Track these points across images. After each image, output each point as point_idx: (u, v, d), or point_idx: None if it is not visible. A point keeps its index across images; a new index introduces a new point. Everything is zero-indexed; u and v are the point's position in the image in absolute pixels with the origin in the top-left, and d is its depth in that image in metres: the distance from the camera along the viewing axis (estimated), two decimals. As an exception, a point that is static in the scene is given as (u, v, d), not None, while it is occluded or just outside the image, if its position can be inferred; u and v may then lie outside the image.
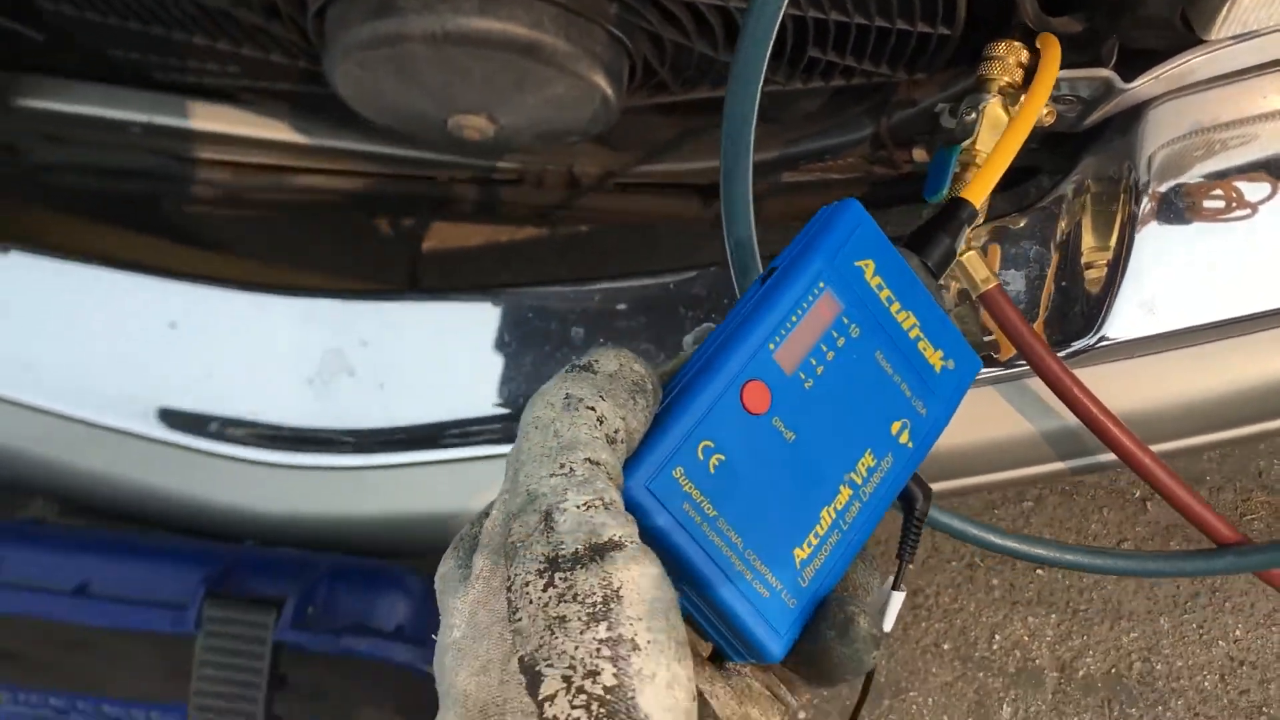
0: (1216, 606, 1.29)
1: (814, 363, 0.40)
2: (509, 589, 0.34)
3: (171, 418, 0.86)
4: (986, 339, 0.77)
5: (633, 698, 0.32)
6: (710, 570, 0.38)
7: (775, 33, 0.53)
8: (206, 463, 0.85)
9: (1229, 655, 1.28)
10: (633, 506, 0.37)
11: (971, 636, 1.32)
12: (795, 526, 0.39)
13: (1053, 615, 1.32)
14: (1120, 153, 0.79)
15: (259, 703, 0.76)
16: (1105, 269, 0.78)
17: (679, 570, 0.38)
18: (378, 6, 0.66)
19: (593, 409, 0.36)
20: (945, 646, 1.32)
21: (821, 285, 0.41)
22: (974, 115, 0.72)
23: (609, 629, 0.32)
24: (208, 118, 1.00)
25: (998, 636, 1.32)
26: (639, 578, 0.33)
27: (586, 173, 0.99)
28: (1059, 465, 0.79)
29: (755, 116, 0.56)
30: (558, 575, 0.33)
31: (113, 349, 0.87)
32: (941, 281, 0.76)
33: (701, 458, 0.38)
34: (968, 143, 0.71)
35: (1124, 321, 0.75)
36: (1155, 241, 0.78)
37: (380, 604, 0.79)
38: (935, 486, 0.78)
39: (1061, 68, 0.74)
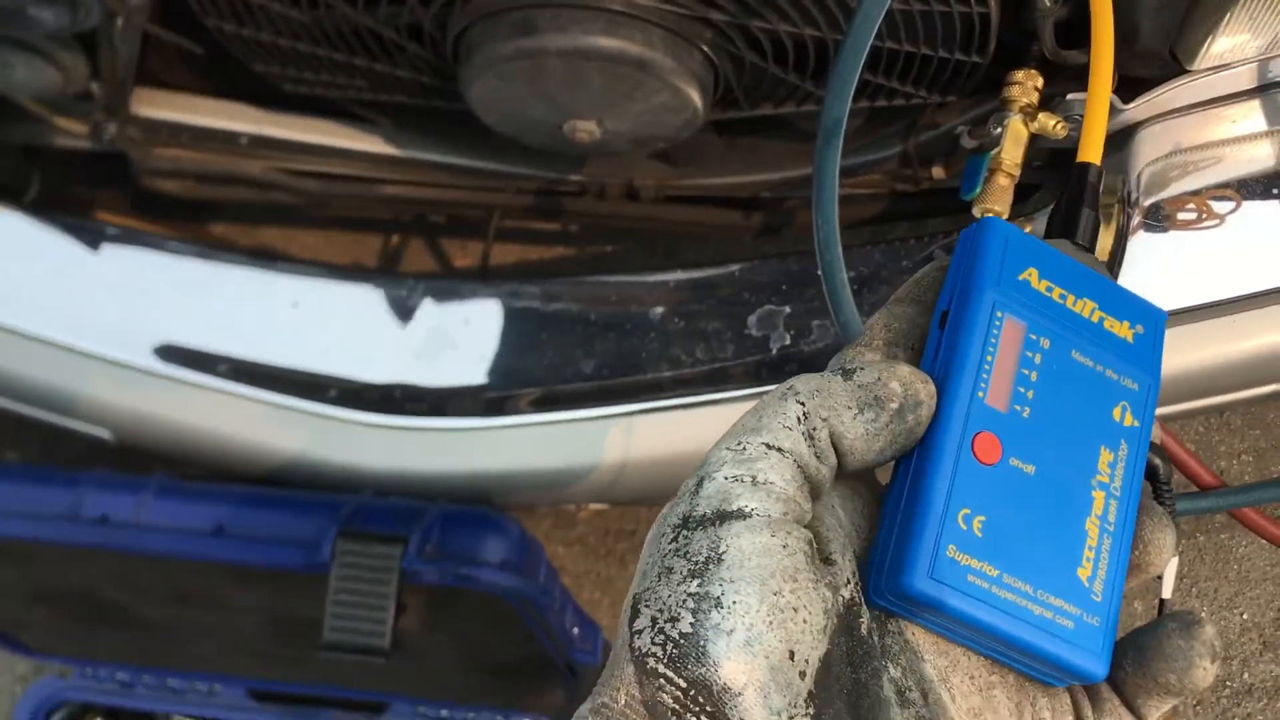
0: (1183, 591, 1.44)
1: (1023, 390, 0.41)
2: (655, 535, 0.39)
3: (294, 386, 0.98)
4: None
5: (704, 646, 0.35)
6: (1015, 627, 0.39)
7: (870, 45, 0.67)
8: (326, 425, 0.97)
9: (1195, 635, 1.42)
10: (925, 600, 0.38)
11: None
12: (1069, 550, 0.40)
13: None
14: (1116, 167, 0.94)
15: (387, 623, 0.87)
16: (1107, 263, 0.93)
17: (988, 638, 0.39)
18: (520, 26, 0.79)
19: (802, 404, 0.39)
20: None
21: (1000, 314, 0.41)
22: (999, 129, 0.86)
23: (700, 585, 0.36)
24: (308, 130, 1.13)
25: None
26: (745, 545, 0.36)
27: (644, 185, 1.13)
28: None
29: (844, 124, 0.70)
30: (682, 533, 0.37)
31: (241, 326, 0.99)
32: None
33: (964, 527, 0.39)
34: (995, 151, 0.86)
35: (1121, 304, 0.90)
36: (1144, 244, 0.93)
37: (486, 542, 0.91)
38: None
39: (1070, 93, 0.89)
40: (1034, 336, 0.41)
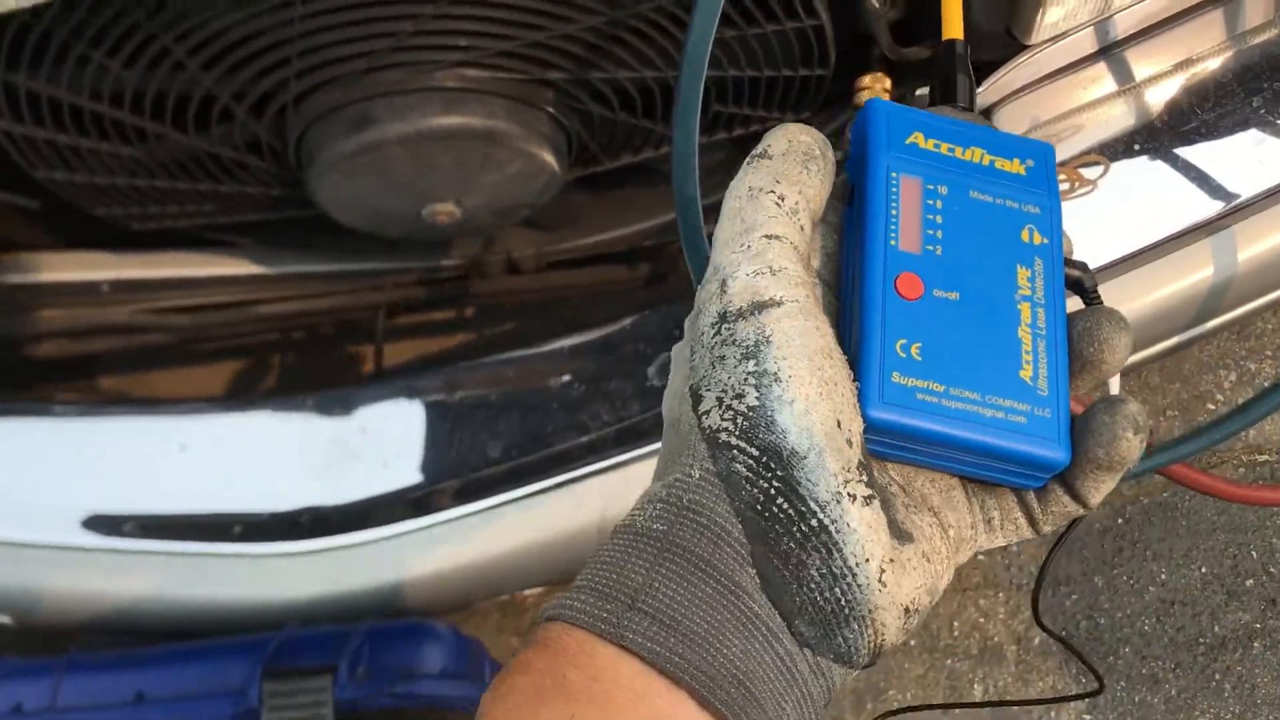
0: (1139, 557, 1.43)
1: (932, 232, 0.45)
2: (692, 339, 0.42)
3: (194, 530, 0.93)
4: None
5: (771, 415, 0.39)
6: (971, 430, 0.42)
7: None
8: (235, 564, 0.92)
9: (1160, 598, 1.42)
10: (881, 425, 0.42)
11: (934, 628, 1.44)
12: (1007, 358, 0.43)
13: (1000, 594, 1.44)
14: (979, 153, 0.94)
15: (331, 760, 0.82)
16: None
17: (950, 450, 0.43)
18: (357, 120, 0.77)
19: (772, 192, 0.43)
20: (912, 643, 1.43)
21: (894, 174, 0.45)
22: (858, 136, 0.86)
23: (756, 364, 0.40)
24: (170, 265, 1.09)
25: (956, 623, 1.44)
26: (788, 328, 0.40)
27: (523, 256, 1.11)
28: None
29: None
30: (724, 326, 0.41)
31: (130, 478, 0.95)
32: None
33: (904, 354, 0.42)
34: (857, 158, 0.85)
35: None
36: (1022, 223, 0.93)
37: (422, 653, 0.87)
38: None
39: (917, 89, 0.89)
40: (931, 186, 0.46)
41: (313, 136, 0.80)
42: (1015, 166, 0.47)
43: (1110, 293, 0.92)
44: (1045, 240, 0.46)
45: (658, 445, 0.91)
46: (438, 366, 0.98)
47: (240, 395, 0.98)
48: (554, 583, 0.97)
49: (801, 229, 0.43)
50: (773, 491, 0.39)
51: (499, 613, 1.48)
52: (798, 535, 0.39)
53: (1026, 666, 1.41)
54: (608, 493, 0.91)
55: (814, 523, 0.39)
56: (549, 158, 0.83)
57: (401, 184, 0.82)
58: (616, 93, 0.83)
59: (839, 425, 0.40)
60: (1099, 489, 0.44)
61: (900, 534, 0.41)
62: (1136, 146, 0.94)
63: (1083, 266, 0.47)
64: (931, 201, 0.46)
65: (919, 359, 0.42)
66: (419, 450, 0.94)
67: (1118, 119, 0.96)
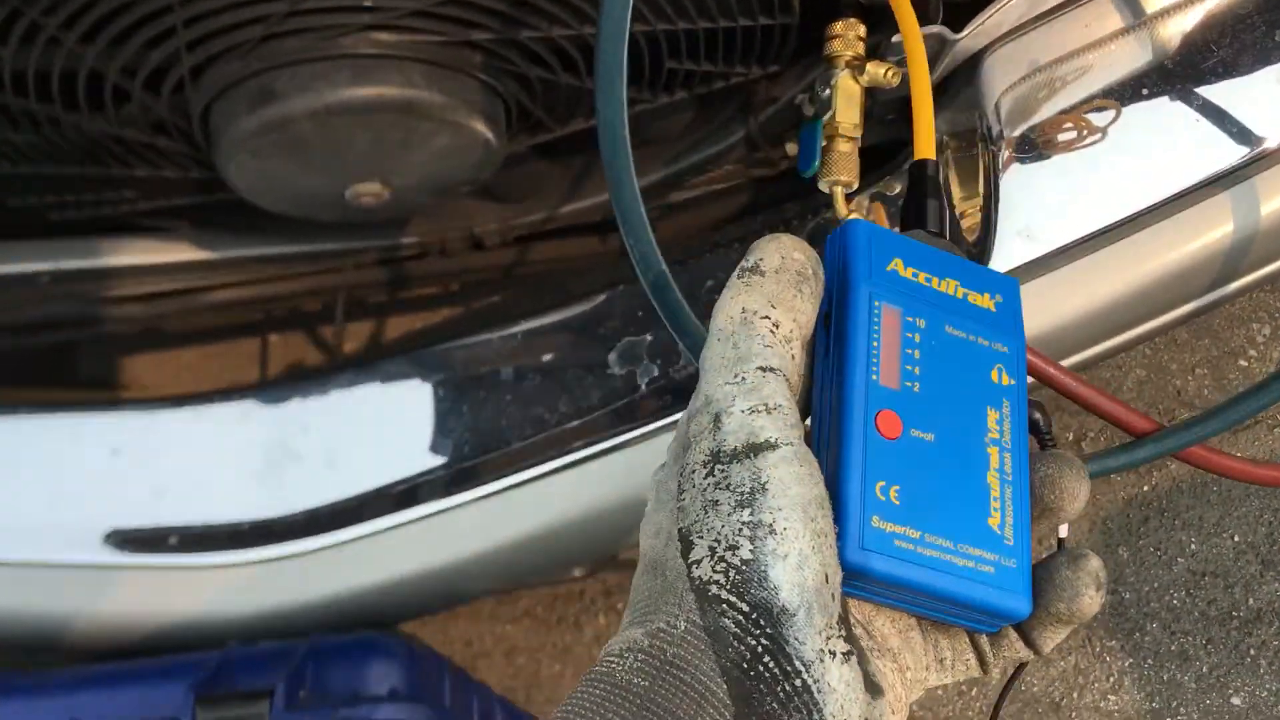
0: (1167, 526, 1.34)
1: (909, 368, 0.45)
2: (680, 474, 0.40)
3: (127, 541, 0.87)
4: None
5: (764, 570, 0.38)
6: (943, 581, 0.42)
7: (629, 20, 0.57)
8: (172, 577, 0.86)
9: (1189, 570, 1.33)
10: (860, 569, 0.41)
11: (947, 607, 1.36)
12: (977, 503, 0.44)
13: (1018, 569, 1.36)
14: (969, 104, 0.85)
15: (268, 793, 0.76)
16: (979, 211, 0.83)
17: (920, 596, 0.43)
18: (258, 94, 0.69)
19: (767, 317, 0.42)
20: (925, 622, 1.36)
21: (876, 304, 0.45)
22: (828, 91, 0.77)
23: (751, 514, 0.38)
24: (112, 253, 1.02)
25: (972, 601, 1.36)
26: (784, 475, 0.39)
27: (486, 231, 1.03)
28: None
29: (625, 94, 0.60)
30: (717, 467, 0.39)
31: (57, 485, 0.88)
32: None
33: (883, 497, 0.42)
34: (827, 116, 0.76)
35: (1007, 252, 0.80)
36: (1020, 179, 0.84)
37: (369, 673, 0.81)
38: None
39: (893, 36, 0.80)
40: (910, 318, 0.45)
41: (216, 114, 0.72)
42: (986, 301, 0.47)
43: (1123, 254, 0.83)
44: (1013, 381, 0.46)
45: (622, 439, 0.84)
46: (388, 356, 0.91)
47: (174, 394, 0.91)
48: (522, 586, 0.90)
49: (793, 358, 0.42)
50: (759, 649, 0.38)
51: (492, 599, 1.42)
52: (781, 696, 0.37)
53: (1048, 645, 1.33)
54: (567, 491, 0.83)
55: (798, 683, 0.38)
56: (482, 128, 0.74)
57: (318, 164, 0.74)
58: (555, 52, 0.75)
59: (826, 580, 0.39)
60: (1054, 638, 0.44)
61: (873, 687, 0.40)
62: (1147, 90, 0.84)
63: (1040, 407, 0.49)
64: (910, 335, 0.45)
65: (897, 503, 0.42)
66: (365, 450, 0.87)
67: (1126, 59, 0.86)
